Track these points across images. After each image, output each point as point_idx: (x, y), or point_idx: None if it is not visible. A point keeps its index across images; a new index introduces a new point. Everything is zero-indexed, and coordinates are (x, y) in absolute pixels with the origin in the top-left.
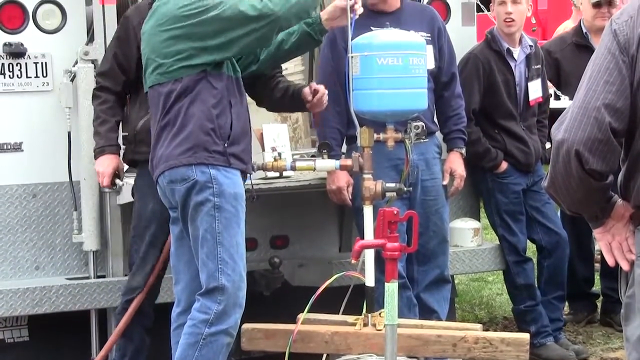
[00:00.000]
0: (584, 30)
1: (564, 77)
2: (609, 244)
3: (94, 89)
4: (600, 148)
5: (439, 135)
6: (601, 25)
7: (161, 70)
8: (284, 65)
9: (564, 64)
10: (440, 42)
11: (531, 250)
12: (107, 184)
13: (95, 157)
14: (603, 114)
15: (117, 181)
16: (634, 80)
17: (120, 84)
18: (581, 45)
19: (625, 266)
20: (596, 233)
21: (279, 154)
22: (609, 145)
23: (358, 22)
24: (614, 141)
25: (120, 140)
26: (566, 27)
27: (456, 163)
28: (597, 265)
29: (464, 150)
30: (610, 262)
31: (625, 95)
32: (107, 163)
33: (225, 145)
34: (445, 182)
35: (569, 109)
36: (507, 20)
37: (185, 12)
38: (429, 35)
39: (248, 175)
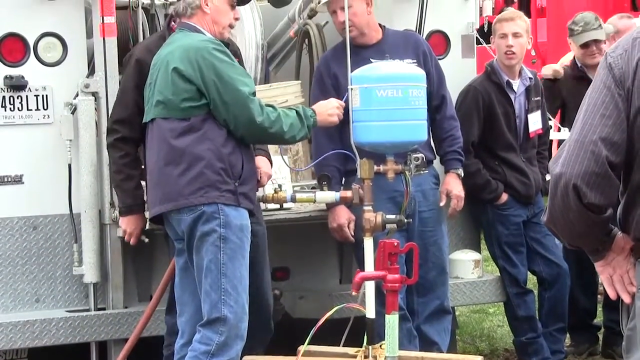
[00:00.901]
0: (579, 65)
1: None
2: (610, 276)
3: (113, 139)
4: (598, 182)
5: (436, 164)
6: (592, 62)
7: (168, 106)
8: (283, 97)
9: (564, 90)
10: (427, 67)
11: (532, 282)
12: (134, 243)
13: (122, 215)
14: (600, 148)
15: (143, 238)
16: (630, 113)
17: (139, 130)
18: (580, 77)
19: (626, 299)
20: (597, 266)
21: (279, 186)
22: (607, 179)
23: (342, 58)
24: (612, 174)
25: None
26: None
27: (452, 184)
28: (600, 297)
29: (460, 171)
30: (612, 295)
31: (622, 128)
32: (136, 223)
33: (236, 184)
34: (442, 204)
35: (565, 143)
36: (508, 53)
37: (206, 69)
38: (415, 61)
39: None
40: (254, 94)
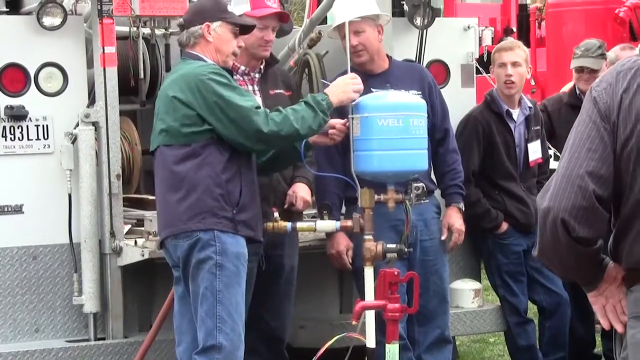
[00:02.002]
0: (578, 92)
1: (557, 135)
2: (603, 306)
3: None
4: (586, 215)
5: (437, 194)
6: (584, 89)
7: (170, 133)
8: None
9: (556, 122)
10: (432, 99)
11: (532, 311)
12: None
13: None
14: (587, 182)
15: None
16: (617, 146)
17: None
18: (574, 106)
19: (619, 328)
20: (590, 297)
21: (278, 215)
22: (594, 212)
23: None
24: (599, 208)
25: None
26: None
27: (454, 218)
28: (599, 327)
29: (461, 205)
30: (605, 325)
31: (609, 162)
32: None
33: (234, 211)
34: (443, 237)
35: (553, 177)
36: (507, 82)
37: (212, 92)
38: (420, 92)
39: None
40: (258, 107)
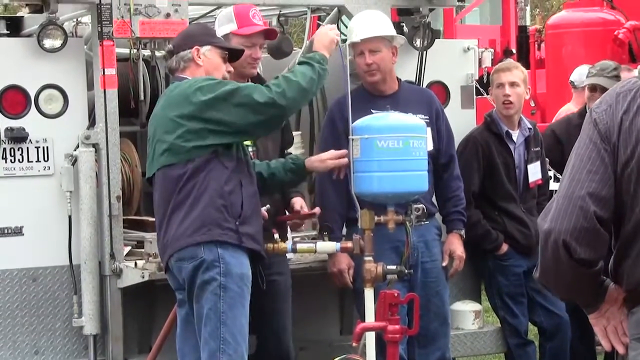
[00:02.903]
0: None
1: (566, 159)
2: (604, 328)
3: None
4: (587, 237)
5: (438, 216)
6: None
7: (173, 151)
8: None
9: (567, 145)
10: (438, 124)
11: (533, 332)
12: None
13: None
14: (588, 203)
15: None
16: (617, 168)
17: None
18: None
19: (620, 350)
20: (591, 318)
21: (279, 237)
22: (596, 234)
23: (357, 105)
24: (601, 229)
25: None
26: (568, 109)
27: (455, 244)
28: (600, 348)
29: (463, 232)
30: (607, 346)
31: (609, 183)
32: None
33: (237, 223)
34: (444, 264)
35: (554, 199)
36: (505, 102)
37: (200, 94)
38: (427, 117)
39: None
40: (253, 86)
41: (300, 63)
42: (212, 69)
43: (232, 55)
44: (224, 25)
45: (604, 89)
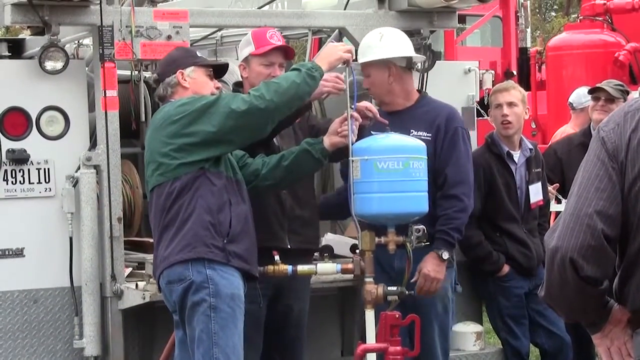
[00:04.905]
0: (592, 130)
1: (567, 179)
2: (608, 349)
3: None
4: (594, 255)
5: None
6: (598, 118)
7: (161, 170)
8: None
9: (567, 165)
10: (436, 143)
11: (534, 354)
12: None
13: None
14: (595, 221)
15: None
16: (625, 186)
17: None
18: (587, 146)
19: None
20: (595, 339)
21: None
22: (603, 252)
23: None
24: (608, 247)
25: None
26: (564, 131)
27: (426, 261)
28: None
29: (443, 253)
30: None
31: (617, 201)
32: None
33: (225, 241)
34: (413, 280)
35: (561, 216)
36: (504, 122)
37: (182, 111)
38: (429, 135)
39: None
40: (233, 95)
41: (291, 70)
42: (198, 88)
43: (217, 71)
44: (244, 49)
45: (607, 98)
